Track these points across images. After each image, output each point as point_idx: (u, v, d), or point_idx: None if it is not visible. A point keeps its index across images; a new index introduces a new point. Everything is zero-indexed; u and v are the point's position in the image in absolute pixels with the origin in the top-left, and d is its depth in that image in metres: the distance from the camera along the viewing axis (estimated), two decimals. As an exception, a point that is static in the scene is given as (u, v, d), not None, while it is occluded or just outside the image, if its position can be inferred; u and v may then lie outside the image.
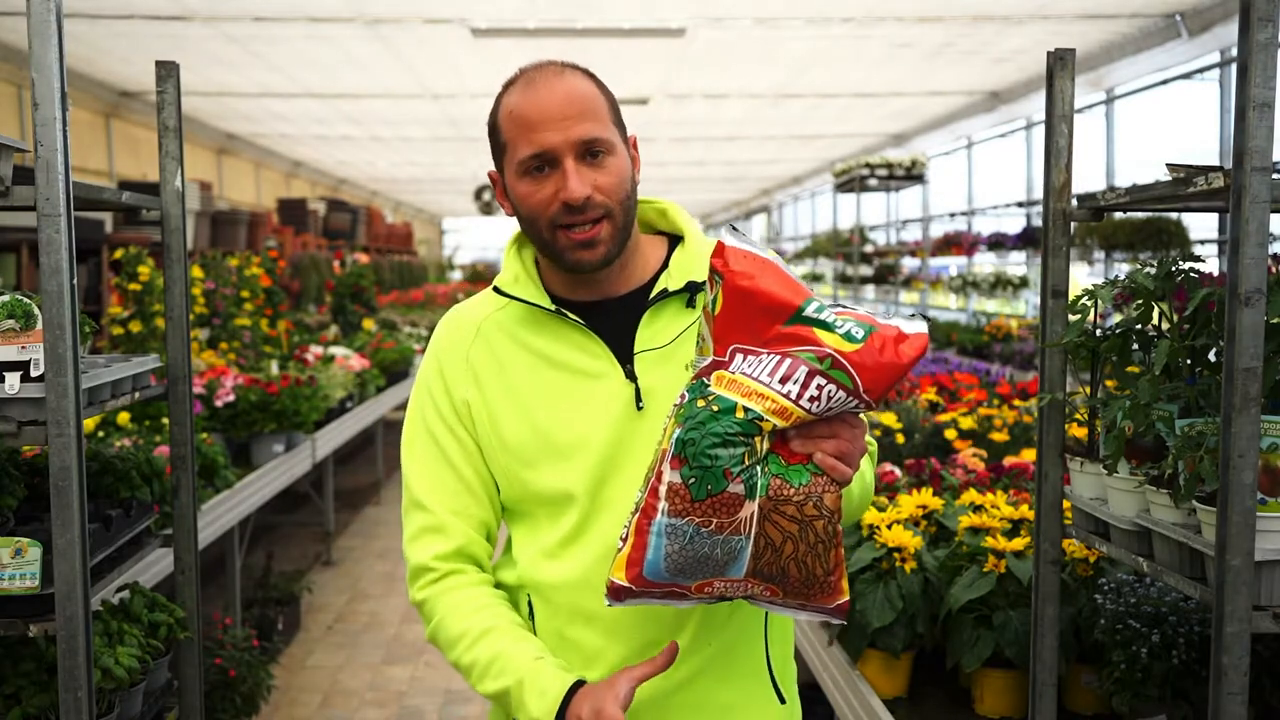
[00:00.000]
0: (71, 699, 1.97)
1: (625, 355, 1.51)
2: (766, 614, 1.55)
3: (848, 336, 1.25)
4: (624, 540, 1.29)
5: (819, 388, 1.24)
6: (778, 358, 1.25)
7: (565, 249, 1.47)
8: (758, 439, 1.25)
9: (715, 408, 1.25)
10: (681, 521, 1.25)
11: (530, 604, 1.55)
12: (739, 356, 1.27)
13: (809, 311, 1.26)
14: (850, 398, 1.25)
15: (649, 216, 1.63)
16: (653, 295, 1.53)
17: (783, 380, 1.24)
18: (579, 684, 1.41)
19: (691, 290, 1.52)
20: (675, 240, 1.61)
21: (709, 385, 1.27)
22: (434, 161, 16.16)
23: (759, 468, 1.25)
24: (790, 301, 1.27)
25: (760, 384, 1.24)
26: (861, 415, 1.32)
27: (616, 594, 1.30)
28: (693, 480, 1.24)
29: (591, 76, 1.51)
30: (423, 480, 1.56)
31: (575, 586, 1.49)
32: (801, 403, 1.24)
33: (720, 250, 1.28)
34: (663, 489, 1.25)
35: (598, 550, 1.48)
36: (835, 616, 1.34)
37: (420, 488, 1.55)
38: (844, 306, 1.30)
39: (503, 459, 1.53)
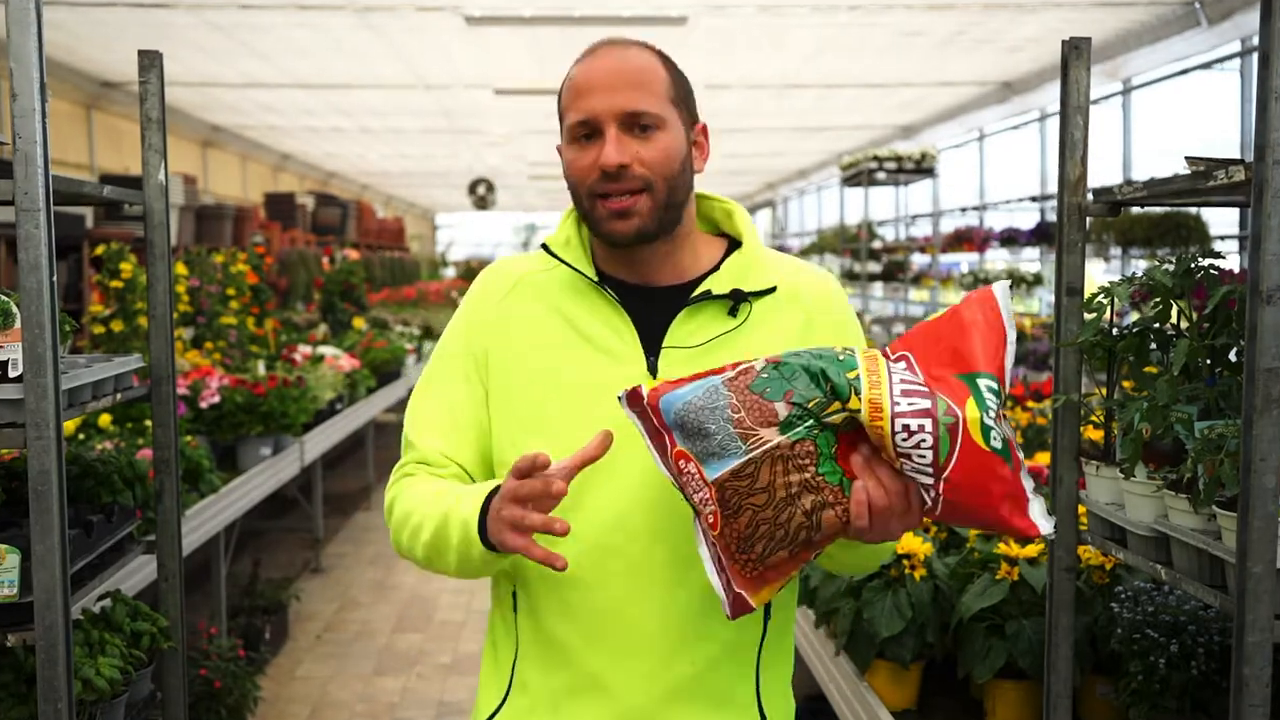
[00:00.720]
0: (51, 711, 1.95)
1: (653, 347, 1.50)
2: (760, 639, 1.51)
3: (985, 432, 1.23)
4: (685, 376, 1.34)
5: (920, 427, 1.22)
6: (921, 381, 1.27)
7: (601, 218, 1.48)
8: (836, 407, 1.25)
9: (841, 357, 1.29)
10: (725, 392, 1.28)
11: (515, 595, 1.53)
12: (902, 362, 1.30)
13: (981, 384, 1.27)
14: (929, 468, 1.23)
15: (715, 215, 1.63)
16: (695, 294, 1.52)
17: (904, 394, 1.24)
18: None
19: (736, 299, 1.50)
20: (735, 245, 1.60)
21: (857, 352, 1.31)
22: (426, 154, 16.13)
23: (812, 423, 1.25)
24: (975, 363, 1.28)
25: (887, 380, 1.26)
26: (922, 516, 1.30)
27: (632, 398, 1.33)
28: (764, 377, 1.28)
29: (660, 55, 1.52)
30: (420, 420, 1.57)
31: (557, 576, 1.45)
32: (896, 421, 1.23)
33: (985, 291, 1.34)
34: (743, 366, 1.30)
35: (583, 543, 1.44)
36: (728, 605, 1.32)
37: (415, 428, 1.57)
38: (1018, 448, 1.28)
39: (504, 417, 1.52)
